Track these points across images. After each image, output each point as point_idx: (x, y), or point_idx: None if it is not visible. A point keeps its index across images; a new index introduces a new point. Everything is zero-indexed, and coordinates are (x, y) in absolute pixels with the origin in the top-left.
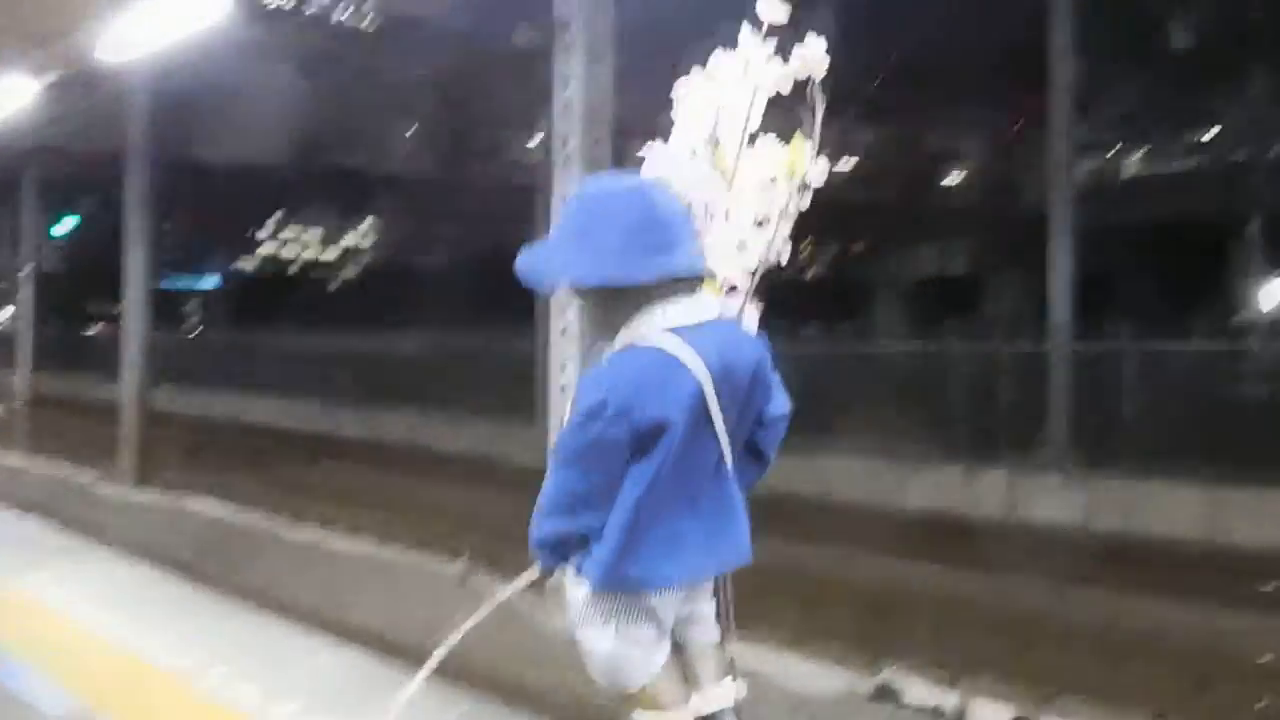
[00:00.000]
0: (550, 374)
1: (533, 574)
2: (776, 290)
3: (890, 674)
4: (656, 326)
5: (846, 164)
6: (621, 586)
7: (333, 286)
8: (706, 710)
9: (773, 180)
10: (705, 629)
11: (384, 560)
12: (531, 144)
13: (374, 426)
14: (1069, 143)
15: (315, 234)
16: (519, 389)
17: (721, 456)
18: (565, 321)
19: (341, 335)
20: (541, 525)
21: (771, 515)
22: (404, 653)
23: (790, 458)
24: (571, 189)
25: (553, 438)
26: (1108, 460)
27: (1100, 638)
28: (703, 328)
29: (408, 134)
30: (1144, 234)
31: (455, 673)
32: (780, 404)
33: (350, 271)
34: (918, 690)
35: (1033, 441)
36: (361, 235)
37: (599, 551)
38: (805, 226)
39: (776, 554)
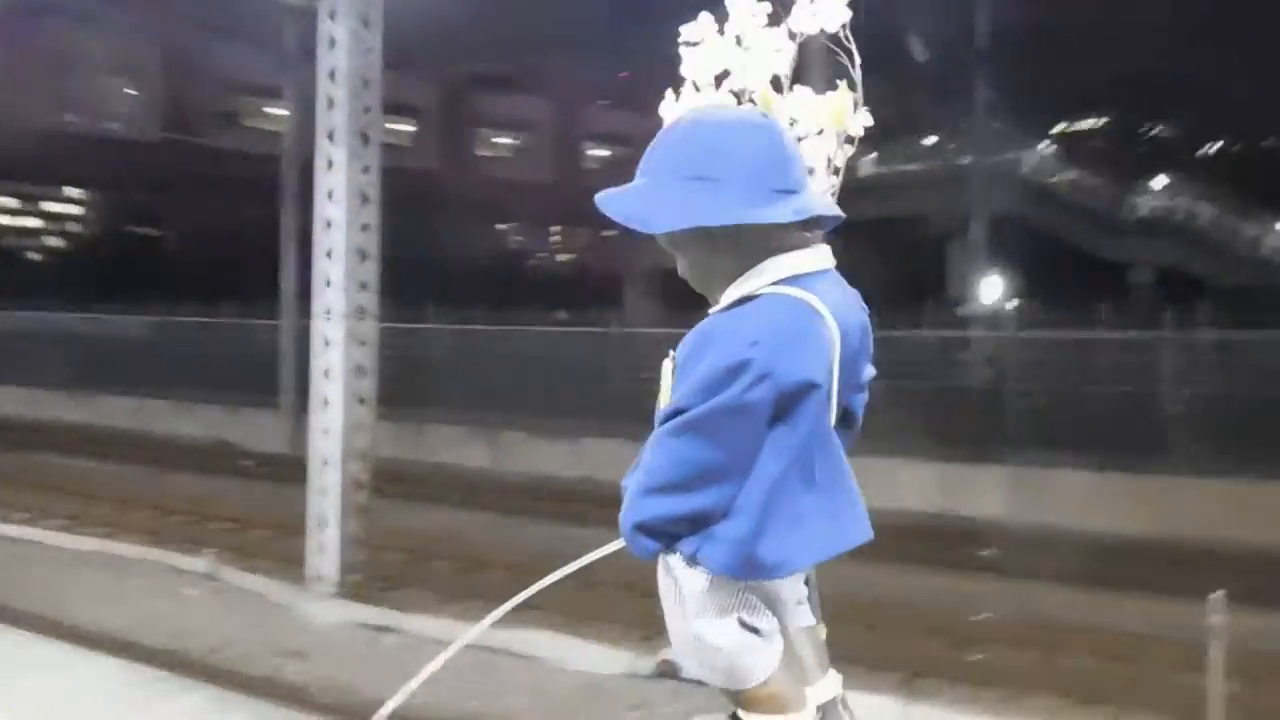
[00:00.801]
0: (313, 355)
1: (613, 547)
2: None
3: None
4: (781, 274)
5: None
6: (754, 573)
7: (38, 256)
8: (820, 701)
9: (819, 132)
10: (805, 613)
11: (116, 556)
12: (278, 110)
13: (96, 412)
14: None
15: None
16: (257, 371)
17: (831, 422)
18: (328, 302)
19: (54, 312)
20: (647, 504)
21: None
22: (150, 657)
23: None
24: (339, 160)
25: (313, 421)
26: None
27: (848, 605)
28: (825, 277)
29: (131, 93)
30: (879, 230)
31: (204, 670)
32: (871, 368)
33: (60, 241)
34: None
35: None
36: (72, 202)
37: (731, 532)
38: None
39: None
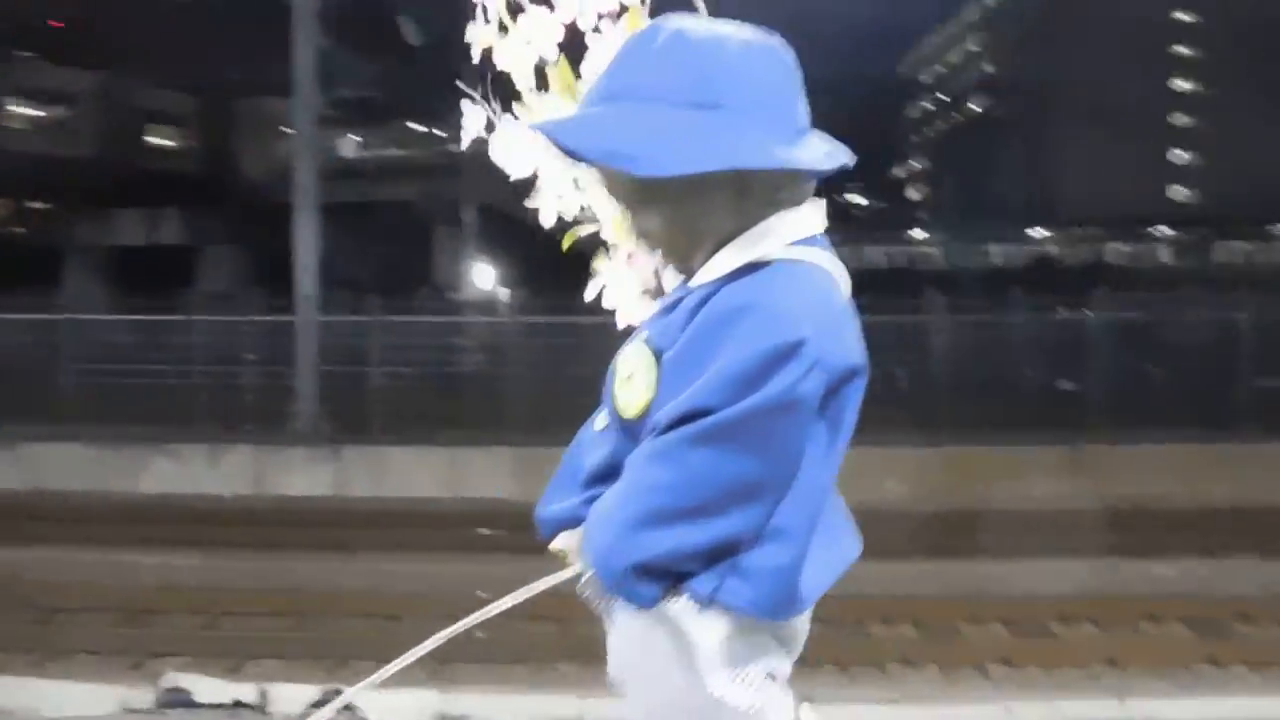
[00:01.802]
0: None
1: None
2: None
3: (173, 675)
4: (795, 235)
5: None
6: (793, 610)
7: None
8: None
9: None
10: None
11: None
12: None
13: None
14: (313, 121)
15: None
16: None
17: None
18: None
19: None
20: (655, 538)
21: None
22: None
23: None
24: None
25: None
26: (357, 429)
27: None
28: (824, 241)
29: None
30: (374, 214)
31: None
32: None
33: None
34: (208, 687)
35: (283, 415)
36: None
37: (767, 561)
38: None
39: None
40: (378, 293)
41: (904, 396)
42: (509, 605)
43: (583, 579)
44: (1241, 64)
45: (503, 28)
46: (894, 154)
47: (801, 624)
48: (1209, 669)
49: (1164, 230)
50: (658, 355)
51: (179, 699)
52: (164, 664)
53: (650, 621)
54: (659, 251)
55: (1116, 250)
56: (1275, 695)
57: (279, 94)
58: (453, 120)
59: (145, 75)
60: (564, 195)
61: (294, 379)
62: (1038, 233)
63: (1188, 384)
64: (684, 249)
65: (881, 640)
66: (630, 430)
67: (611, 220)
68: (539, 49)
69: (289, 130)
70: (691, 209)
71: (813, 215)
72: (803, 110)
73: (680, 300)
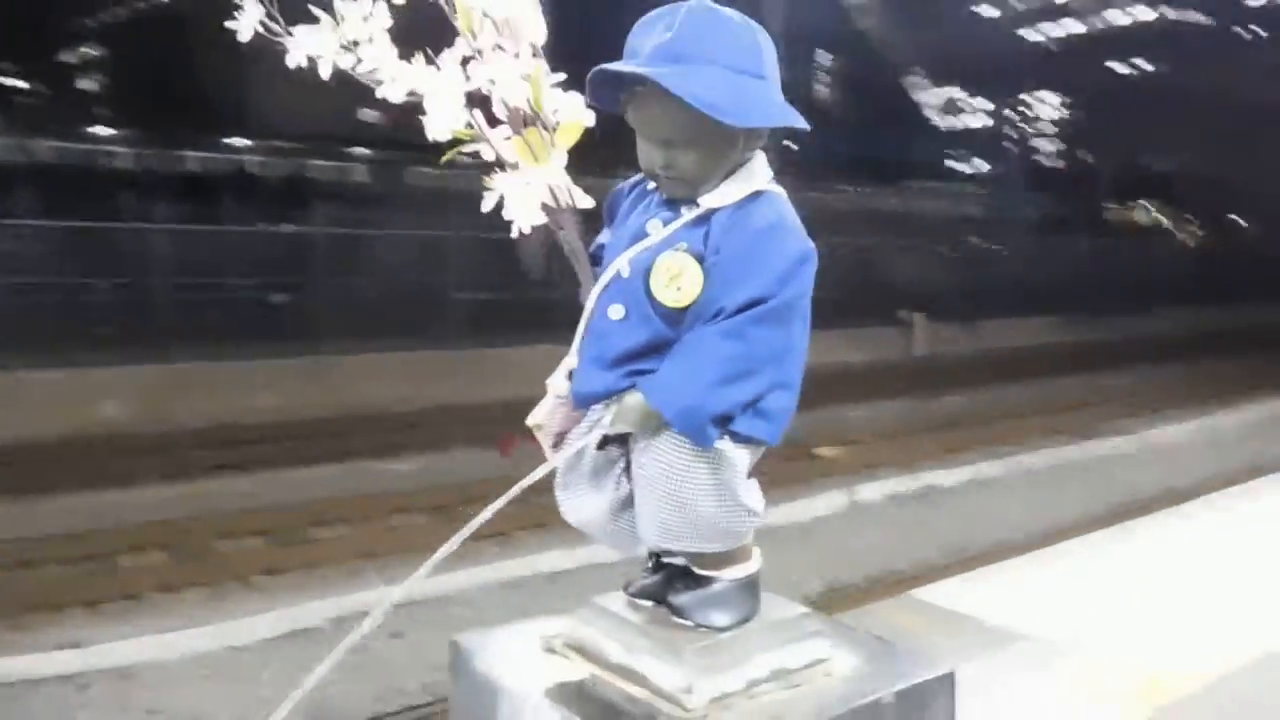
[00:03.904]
0: None
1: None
2: None
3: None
4: (768, 170)
5: None
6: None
7: None
8: None
9: None
10: None
11: None
12: None
13: None
14: None
15: None
16: None
17: None
18: None
19: None
20: (731, 393)
21: None
22: None
23: None
24: None
25: None
26: None
27: None
28: None
29: None
30: None
31: None
32: None
33: None
34: None
35: None
36: None
37: (781, 404)
38: None
39: None
40: None
41: (115, 310)
42: (526, 486)
43: (608, 430)
44: None
45: None
46: (70, 37)
47: None
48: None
49: (362, 151)
50: (698, 259)
51: None
52: None
53: (693, 456)
54: (678, 179)
55: (316, 166)
56: (509, 559)
57: None
58: None
59: None
60: (454, 114)
61: None
62: (238, 142)
63: (400, 297)
64: (699, 178)
65: (135, 570)
66: (672, 318)
67: (512, 142)
68: None
69: None
70: (723, 150)
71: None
72: None
73: (703, 219)
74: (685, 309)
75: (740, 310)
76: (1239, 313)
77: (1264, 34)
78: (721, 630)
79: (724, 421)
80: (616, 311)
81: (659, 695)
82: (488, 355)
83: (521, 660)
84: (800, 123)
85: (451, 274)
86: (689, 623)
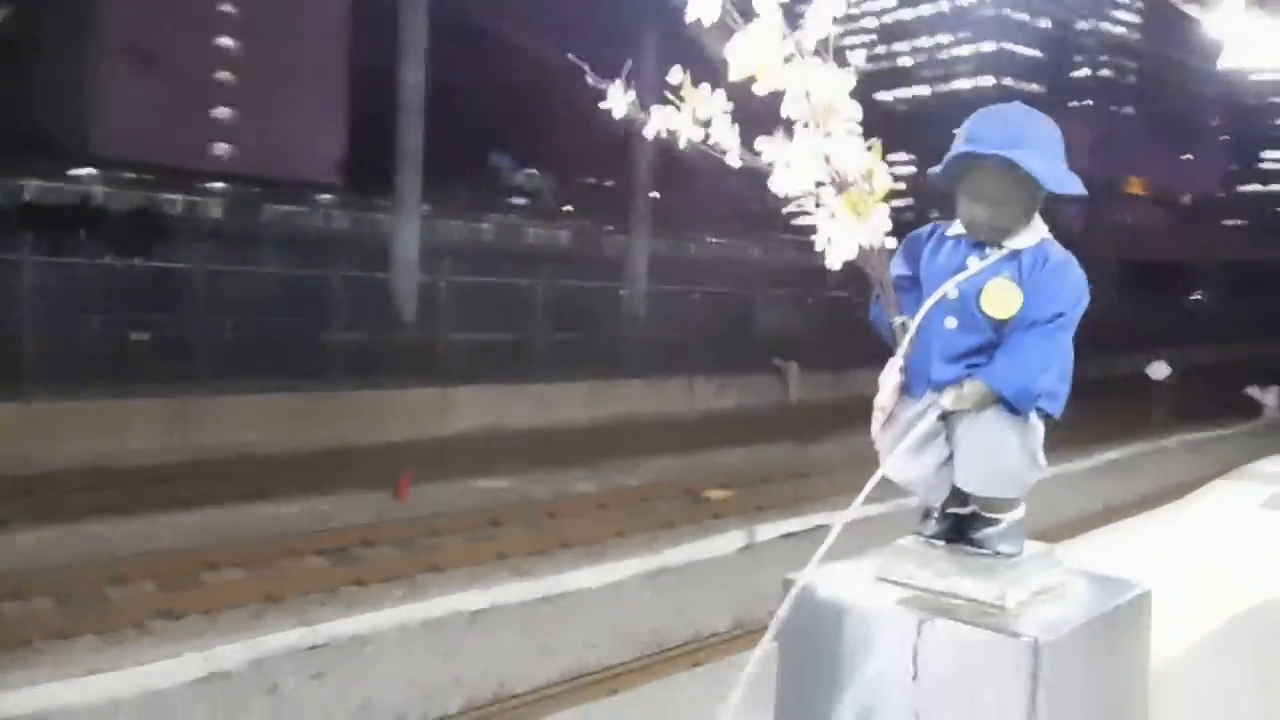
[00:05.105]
0: None
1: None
2: None
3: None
4: (1043, 226)
5: None
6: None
7: None
8: None
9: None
10: None
11: None
12: None
13: None
14: None
15: None
16: None
17: None
18: None
19: None
20: (1045, 380)
21: None
22: None
23: None
24: None
25: None
26: None
27: None
28: None
29: None
30: None
31: None
32: None
33: None
34: None
35: None
36: None
37: (1061, 388)
38: None
39: None
40: None
41: None
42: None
43: (949, 407)
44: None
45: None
46: None
47: None
48: (349, 588)
49: (217, 185)
50: (1017, 284)
51: None
52: None
53: (1007, 424)
54: (996, 229)
55: (169, 200)
56: (401, 604)
57: None
58: None
59: None
60: (806, 173)
61: None
62: (84, 172)
63: (273, 337)
64: (1009, 226)
65: (20, 618)
66: (998, 326)
67: (842, 198)
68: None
69: None
70: (1030, 208)
71: None
72: None
73: (1013, 256)
74: (1008, 320)
75: (1049, 320)
76: None
77: None
78: (1009, 556)
79: (1035, 398)
80: (951, 322)
81: (978, 603)
82: (360, 398)
83: (862, 588)
84: (1083, 190)
85: (331, 313)
86: (987, 551)
